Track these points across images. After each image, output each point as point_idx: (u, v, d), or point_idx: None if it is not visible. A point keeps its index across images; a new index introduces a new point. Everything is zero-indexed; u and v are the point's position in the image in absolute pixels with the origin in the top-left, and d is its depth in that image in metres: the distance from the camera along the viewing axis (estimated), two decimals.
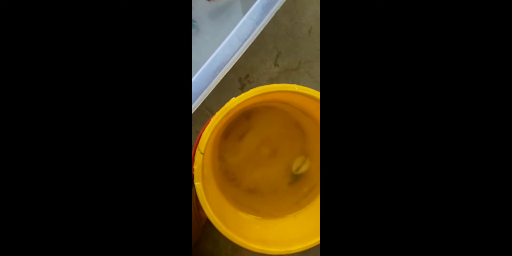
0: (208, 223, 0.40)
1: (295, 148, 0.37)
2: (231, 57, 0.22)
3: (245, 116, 0.37)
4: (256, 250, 0.25)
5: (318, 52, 0.41)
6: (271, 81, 0.42)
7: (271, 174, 0.38)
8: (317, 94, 0.25)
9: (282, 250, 0.25)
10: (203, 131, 0.28)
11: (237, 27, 0.21)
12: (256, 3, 0.21)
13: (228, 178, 0.37)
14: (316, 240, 0.26)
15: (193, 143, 0.35)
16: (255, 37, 0.23)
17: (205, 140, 0.25)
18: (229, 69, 0.22)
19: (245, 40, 0.21)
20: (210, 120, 0.26)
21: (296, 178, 0.37)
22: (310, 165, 0.36)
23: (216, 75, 0.22)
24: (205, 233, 0.41)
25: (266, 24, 0.22)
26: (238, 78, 0.42)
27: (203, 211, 0.38)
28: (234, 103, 0.25)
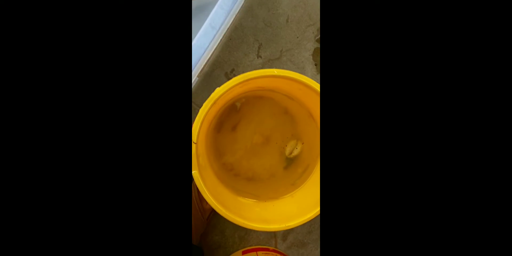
0: (213, 215, 0.42)
1: (286, 133, 0.38)
2: (208, 46, 0.23)
3: (235, 108, 0.38)
4: (257, 229, 0.27)
5: (298, 40, 0.42)
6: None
7: (267, 161, 0.39)
8: (295, 75, 0.26)
9: (282, 225, 0.27)
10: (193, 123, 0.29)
11: (209, 17, 0.22)
12: None
13: (226, 169, 0.38)
14: (312, 213, 0.27)
15: None
16: (228, 24, 0.24)
17: (196, 130, 0.27)
18: (207, 57, 0.23)
19: (219, 28, 0.23)
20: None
21: (290, 162, 0.38)
22: (302, 147, 0.38)
23: (196, 64, 0.23)
24: (211, 225, 0.42)
25: (237, 11, 0.24)
26: (224, 73, 0.43)
27: (206, 203, 0.40)
28: (218, 92, 0.26)
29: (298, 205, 0.31)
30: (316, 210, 0.27)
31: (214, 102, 0.26)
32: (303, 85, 0.27)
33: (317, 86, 0.26)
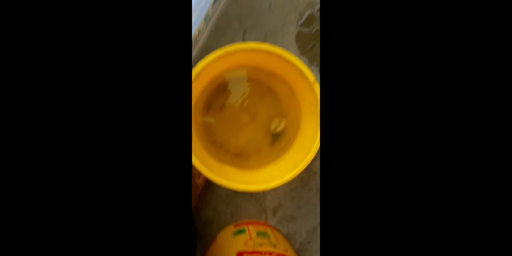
0: (205, 191, 0.44)
1: (271, 111, 0.41)
2: None
3: (222, 88, 0.40)
4: (239, 189, 0.29)
5: (281, 24, 0.45)
6: None
7: (254, 137, 0.41)
8: (270, 47, 0.28)
9: (263, 186, 0.29)
10: None
11: None
12: None
13: (216, 146, 0.41)
14: (291, 174, 0.29)
15: None
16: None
17: None
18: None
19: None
20: None
21: (276, 137, 0.41)
22: (286, 123, 0.40)
23: None
24: (204, 202, 0.44)
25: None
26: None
27: (198, 178, 0.42)
28: (200, 66, 0.29)
29: (280, 170, 0.33)
30: (294, 171, 0.29)
31: (197, 75, 0.29)
32: (279, 57, 0.29)
33: (290, 56, 0.29)
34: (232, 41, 0.45)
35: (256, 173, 0.34)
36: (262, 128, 0.41)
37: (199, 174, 0.41)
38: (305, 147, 0.33)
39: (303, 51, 0.45)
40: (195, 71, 0.29)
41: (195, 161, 0.28)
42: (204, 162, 0.29)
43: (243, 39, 0.45)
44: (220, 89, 0.40)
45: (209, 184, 0.43)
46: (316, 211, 0.45)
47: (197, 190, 0.41)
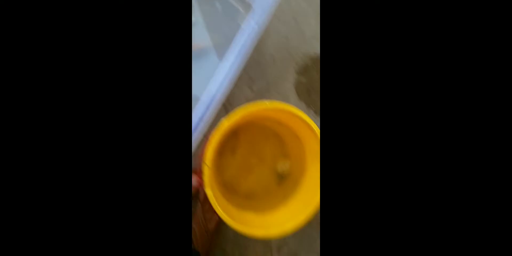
0: (215, 233, 0.45)
1: (277, 153, 0.44)
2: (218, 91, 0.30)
3: (234, 134, 0.44)
4: (259, 237, 0.31)
5: (282, 74, 0.51)
6: (248, 101, 0.50)
7: (261, 179, 0.44)
8: (283, 105, 0.33)
9: (279, 230, 0.32)
10: (203, 149, 0.34)
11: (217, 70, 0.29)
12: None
13: (227, 189, 0.43)
14: (303, 216, 0.32)
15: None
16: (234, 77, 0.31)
17: (210, 155, 0.32)
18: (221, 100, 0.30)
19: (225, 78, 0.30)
20: (207, 140, 0.32)
21: (282, 178, 0.44)
22: (291, 164, 0.44)
23: (210, 107, 0.30)
24: (213, 244, 0.45)
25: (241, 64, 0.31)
26: (223, 105, 0.49)
27: (210, 224, 0.43)
28: (225, 123, 0.32)
29: (291, 212, 0.36)
30: (307, 213, 0.32)
31: (223, 131, 0.32)
32: (289, 113, 0.34)
33: (299, 112, 0.33)
34: (240, 88, 0.50)
35: (271, 215, 0.37)
36: (269, 169, 0.44)
37: (211, 218, 0.43)
38: (312, 188, 0.37)
39: (301, 97, 0.51)
40: (221, 127, 0.32)
41: (219, 212, 0.31)
42: (226, 211, 0.32)
43: (250, 87, 0.50)
44: (232, 135, 0.44)
45: (219, 227, 0.45)
46: (317, 244, 0.48)
47: (208, 235, 0.43)
